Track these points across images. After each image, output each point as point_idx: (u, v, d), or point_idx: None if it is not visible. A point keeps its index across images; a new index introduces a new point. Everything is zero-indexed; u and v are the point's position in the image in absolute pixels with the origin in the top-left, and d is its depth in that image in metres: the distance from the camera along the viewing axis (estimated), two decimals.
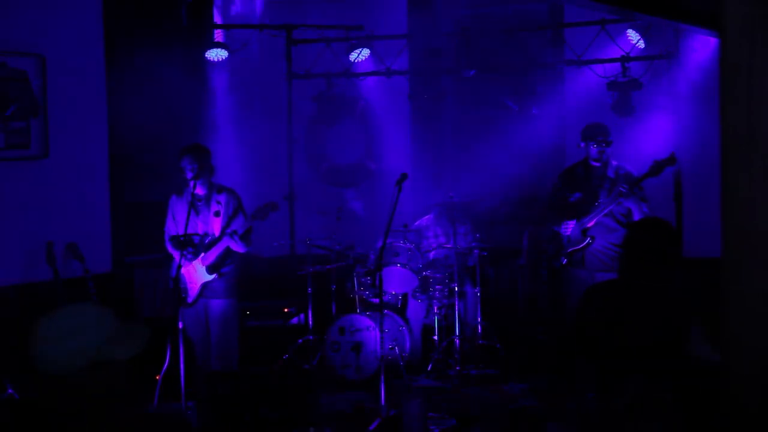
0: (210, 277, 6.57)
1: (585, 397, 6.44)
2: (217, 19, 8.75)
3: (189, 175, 6.46)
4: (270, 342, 7.69)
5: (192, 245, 6.56)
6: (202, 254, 6.55)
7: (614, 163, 6.69)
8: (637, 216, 6.34)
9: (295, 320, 8.14)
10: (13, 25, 6.88)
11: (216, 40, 8.61)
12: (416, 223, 8.06)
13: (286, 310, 8.12)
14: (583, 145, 6.70)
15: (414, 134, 9.07)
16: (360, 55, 8.78)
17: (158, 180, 8.31)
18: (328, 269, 7.73)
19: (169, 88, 8.01)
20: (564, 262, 6.68)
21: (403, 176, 6.47)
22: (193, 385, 6.43)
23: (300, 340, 7.60)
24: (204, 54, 8.40)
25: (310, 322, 7.61)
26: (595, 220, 6.53)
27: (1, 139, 6.82)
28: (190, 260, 6.54)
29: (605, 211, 6.50)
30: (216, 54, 8.44)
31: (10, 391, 6.26)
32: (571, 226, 6.63)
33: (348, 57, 8.86)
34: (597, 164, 6.67)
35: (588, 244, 6.55)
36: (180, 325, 6.06)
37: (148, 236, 8.08)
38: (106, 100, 7.55)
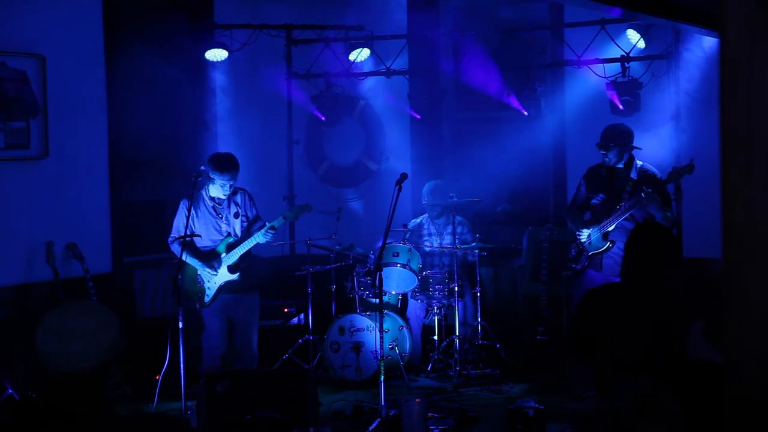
0: (233, 277, 6.71)
1: (585, 397, 6.45)
2: (218, 19, 8.74)
3: (228, 191, 6.64)
4: (270, 342, 7.69)
5: (216, 255, 6.72)
6: (224, 255, 6.69)
7: (638, 163, 6.55)
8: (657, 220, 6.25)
9: (295, 320, 8.14)
10: (13, 25, 6.88)
11: (216, 40, 8.60)
12: (411, 223, 8.05)
13: (286, 310, 8.12)
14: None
15: (414, 134, 9.07)
16: (360, 55, 8.78)
17: (158, 180, 8.32)
18: (328, 269, 7.74)
19: (169, 88, 8.01)
20: (579, 267, 6.58)
21: (403, 176, 6.47)
22: (193, 385, 6.44)
23: (300, 340, 7.60)
24: (204, 54, 8.40)
25: (310, 322, 7.61)
26: (616, 223, 6.39)
27: (1, 139, 6.82)
28: (216, 271, 6.70)
29: (626, 215, 6.34)
30: (216, 54, 8.43)
31: (10, 390, 6.26)
32: (587, 235, 6.54)
33: (348, 57, 8.86)
34: (619, 165, 6.56)
35: (608, 248, 6.41)
36: (180, 325, 6.07)
37: (148, 236, 8.08)
38: (106, 100, 7.55)
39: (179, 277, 6.17)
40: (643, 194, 6.20)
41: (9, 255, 6.84)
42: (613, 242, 6.42)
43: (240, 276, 6.73)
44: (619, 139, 6.52)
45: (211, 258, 6.71)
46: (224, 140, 8.74)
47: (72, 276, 7.04)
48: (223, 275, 6.71)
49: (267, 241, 6.75)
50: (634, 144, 6.61)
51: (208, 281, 6.72)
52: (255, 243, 6.70)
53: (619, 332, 4.11)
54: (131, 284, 7.75)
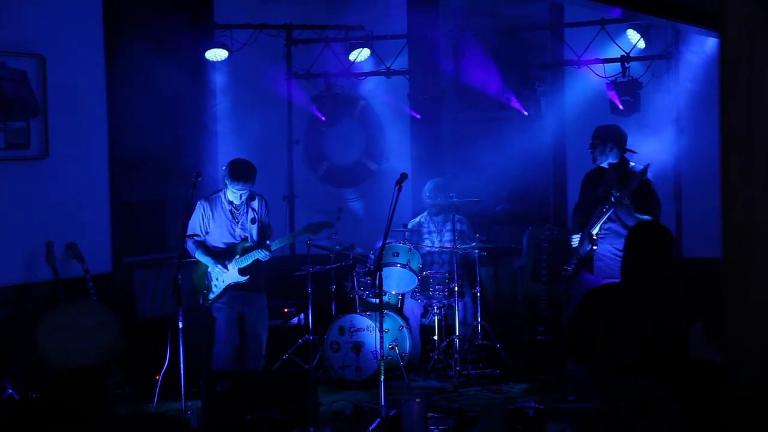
0: (242, 279, 6.79)
1: (570, 400, 6.45)
2: (218, 19, 8.74)
3: (243, 197, 6.76)
4: (270, 342, 7.69)
5: (229, 255, 6.80)
6: (237, 257, 6.76)
7: (631, 164, 6.51)
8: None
9: (295, 320, 8.14)
10: (13, 25, 6.88)
11: (216, 40, 8.60)
12: (411, 223, 8.05)
13: (286, 310, 8.12)
14: None
15: (414, 134, 9.06)
16: (360, 55, 8.78)
17: (158, 180, 8.32)
18: (328, 269, 7.73)
19: (169, 88, 8.00)
20: (570, 271, 6.55)
21: (403, 176, 6.47)
22: (193, 385, 6.45)
23: (300, 340, 7.60)
24: (204, 54, 8.39)
25: (310, 322, 7.61)
26: (599, 225, 6.35)
27: (1, 139, 6.82)
28: (225, 271, 6.77)
29: (606, 216, 6.30)
30: (216, 54, 8.43)
31: (9, 390, 6.26)
32: (576, 240, 6.53)
33: (348, 57, 8.85)
34: (604, 165, 6.56)
35: (591, 250, 6.37)
36: (180, 325, 6.08)
37: (148, 236, 8.08)
38: (106, 100, 7.55)
39: (179, 277, 6.19)
40: (612, 198, 6.20)
41: (9, 255, 6.84)
42: (596, 244, 6.36)
43: (249, 278, 6.80)
44: (600, 137, 6.54)
45: (224, 256, 6.77)
46: (224, 140, 8.73)
47: (72, 276, 7.04)
48: (233, 275, 6.78)
49: (268, 257, 6.84)
50: (631, 147, 6.60)
51: (217, 279, 6.79)
52: (261, 255, 6.78)
53: (619, 332, 4.11)
54: (131, 284, 7.75)
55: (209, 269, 6.79)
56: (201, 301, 6.83)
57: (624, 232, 6.28)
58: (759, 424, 2.20)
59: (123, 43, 7.71)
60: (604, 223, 6.37)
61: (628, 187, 6.23)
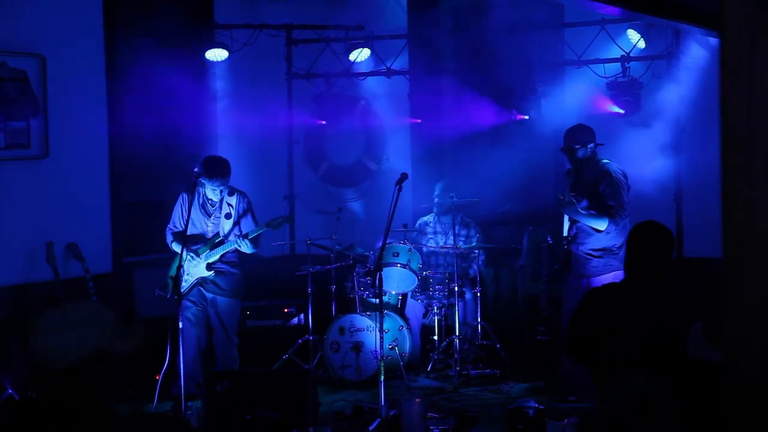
0: (209, 274, 6.78)
1: (571, 400, 6.45)
2: (218, 19, 8.75)
3: (220, 195, 6.79)
4: (270, 342, 7.69)
5: (200, 242, 6.81)
6: (207, 251, 6.76)
7: (604, 162, 6.49)
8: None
9: (295, 320, 8.14)
10: (13, 25, 6.88)
11: (216, 40, 8.60)
12: (418, 222, 8.07)
13: (286, 310, 8.12)
14: None
15: (414, 134, 9.06)
16: (360, 55, 8.78)
17: (158, 180, 8.31)
18: (328, 269, 7.73)
19: (169, 88, 8.00)
20: (545, 272, 6.60)
21: (403, 176, 6.47)
22: (193, 385, 6.44)
23: (300, 340, 7.59)
24: (204, 54, 8.40)
25: (310, 322, 7.61)
26: (566, 227, 6.42)
27: (1, 139, 6.82)
28: (196, 259, 6.75)
29: (566, 217, 6.41)
30: (216, 54, 8.43)
31: (9, 391, 6.26)
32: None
33: (348, 57, 8.86)
34: (579, 166, 6.56)
35: (566, 250, 6.46)
36: (180, 326, 6.07)
37: (148, 236, 8.08)
38: (106, 100, 7.55)
39: (181, 277, 6.19)
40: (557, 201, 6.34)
41: (9, 255, 6.85)
42: (567, 245, 6.44)
43: (219, 278, 6.80)
44: (581, 140, 6.54)
45: (197, 246, 6.79)
46: (224, 140, 8.73)
47: (72, 276, 7.04)
48: (201, 270, 6.78)
49: (253, 251, 6.82)
50: (631, 147, 6.66)
51: (187, 273, 6.76)
52: (233, 247, 6.76)
53: (619, 332, 4.11)
54: (131, 284, 7.74)
55: (184, 262, 6.63)
56: (169, 295, 6.69)
57: (591, 231, 6.35)
58: (759, 424, 2.20)
59: (123, 43, 7.71)
60: (575, 223, 6.45)
61: (594, 186, 6.33)
